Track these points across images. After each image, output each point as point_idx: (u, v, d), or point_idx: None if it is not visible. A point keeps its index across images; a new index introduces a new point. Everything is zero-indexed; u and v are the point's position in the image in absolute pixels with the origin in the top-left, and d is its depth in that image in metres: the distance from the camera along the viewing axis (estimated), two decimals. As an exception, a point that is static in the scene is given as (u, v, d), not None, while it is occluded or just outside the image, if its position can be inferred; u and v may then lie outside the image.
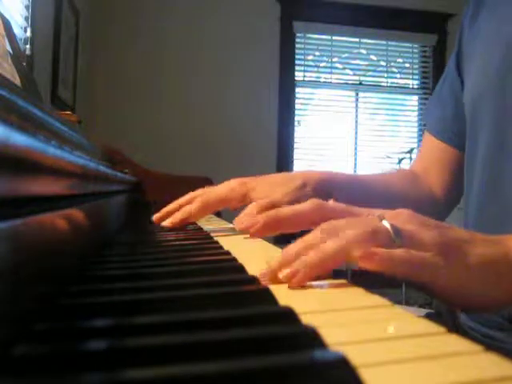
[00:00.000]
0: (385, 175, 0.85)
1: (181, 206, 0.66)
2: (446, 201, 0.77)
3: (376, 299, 0.27)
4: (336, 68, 3.22)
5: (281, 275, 0.31)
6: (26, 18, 1.57)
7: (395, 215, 0.36)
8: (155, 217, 0.67)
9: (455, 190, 0.75)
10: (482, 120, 0.64)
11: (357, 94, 3.25)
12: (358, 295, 0.29)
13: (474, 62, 0.67)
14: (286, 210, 0.43)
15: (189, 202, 0.65)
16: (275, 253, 0.47)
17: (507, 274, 0.34)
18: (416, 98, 3.34)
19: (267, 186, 0.65)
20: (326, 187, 0.65)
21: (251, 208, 0.52)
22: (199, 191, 0.66)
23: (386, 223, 0.33)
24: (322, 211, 0.40)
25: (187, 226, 0.68)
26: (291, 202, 0.47)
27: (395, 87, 3.30)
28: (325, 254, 0.31)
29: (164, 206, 0.69)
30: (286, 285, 0.32)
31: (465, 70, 0.71)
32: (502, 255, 0.34)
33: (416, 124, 3.33)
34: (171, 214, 0.66)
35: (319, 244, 0.32)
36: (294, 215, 0.42)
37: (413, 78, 3.31)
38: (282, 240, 0.59)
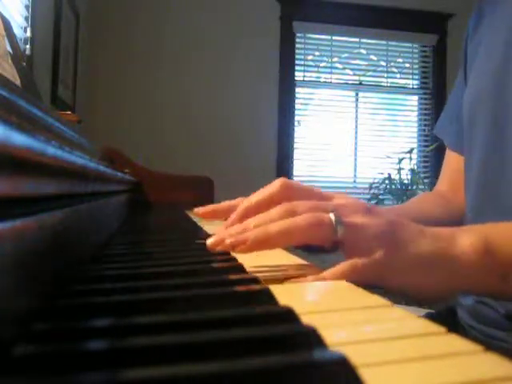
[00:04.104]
0: (416, 201, 0.79)
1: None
2: None
3: (376, 299, 0.27)
4: (336, 68, 3.22)
5: (228, 241, 0.37)
6: (26, 18, 1.57)
7: (344, 205, 0.39)
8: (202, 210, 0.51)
9: None
10: (478, 122, 0.64)
11: (357, 94, 3.25)
12: (358, 295, 0.29)
13: (474, 68, 0.68)
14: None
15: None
16: (275, 253, 0.47)
17: (444, 267, 0.37)
18: (416, 97, 3.34)
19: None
20: None
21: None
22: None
23: (332, 216, 0.36)
24: (288, 191, 0.42)
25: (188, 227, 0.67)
26: None
27: (395, 87, 3.30)
28: (269, 234, 0.36)
29: (163, 206, 0.68)
30: (286, 285, 0.32)
31: (467, 77, 0.72)
32: (442, 251, 0.37)
33: (416, 124, 3.33)
34: (222, 215, 0.50)
35: (267, 223, 0.37)
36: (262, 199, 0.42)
37: (413, 78, 3.31)
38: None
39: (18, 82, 0.60)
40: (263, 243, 0.36)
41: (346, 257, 0.36)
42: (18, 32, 1.43)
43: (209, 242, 0.40)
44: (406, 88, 3.32)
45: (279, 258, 0.45)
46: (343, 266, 0.35)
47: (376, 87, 3.28)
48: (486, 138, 0.62)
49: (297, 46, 3.12)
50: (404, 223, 0.38)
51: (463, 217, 0.70)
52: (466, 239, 0.38)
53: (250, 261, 0.38)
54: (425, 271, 0.36)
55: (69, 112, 1.16)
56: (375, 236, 0.36)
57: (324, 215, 0.36)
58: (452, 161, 0.77)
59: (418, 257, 0.36)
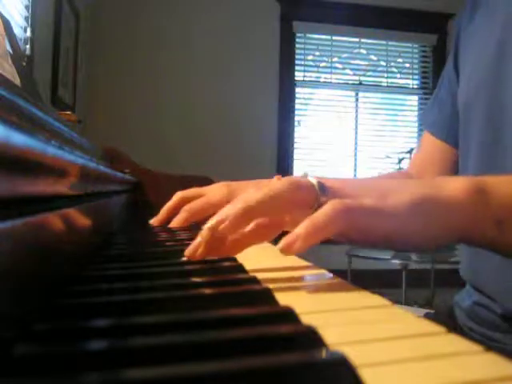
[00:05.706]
0: (379, 177, 0.83)
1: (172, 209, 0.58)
2: None
3: (376, 299, 0.27)
4: (336, 68, 3.22)
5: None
6: (26, 18, 1.57)
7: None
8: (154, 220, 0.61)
9: None
10: (474, 117, 0.64)
11: (357, 94, 3.25)
12: (358, 295, 0.29)
13: (469, 61, 0.68)
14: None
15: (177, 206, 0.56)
16: (275, 252, 0.47)
17: (435, 212, 0.34)
18: (416, 97, 3.34)
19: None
20: None
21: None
22: (187, 193, 0.57)
23: (311, 179, 0.35)
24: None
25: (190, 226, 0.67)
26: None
27: (395, 87, 3.30)
28: (251, 202, 0.34)
29: (163, 206, 0.67)
30: (286, 285, 0.32)
31: (461, 70, 0.72)
32: (431, 195, 0.35)
33: (416, 124, 3.33)
34: (166, 219, 0.59)
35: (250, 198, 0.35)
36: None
37: (413, 78, 3.31)
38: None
39: (17, 81, 0.60)
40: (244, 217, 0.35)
41: None
42: (18, 32, 1.43)
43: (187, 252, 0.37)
44: (405, 88, 3.32)
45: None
46: (336, 202, 0.32)
47: (376, 87, 3.28)
48: (481, 138, 0.62)
49: (297, 46, 3.12)
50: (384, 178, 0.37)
51: None
52: (456, 182, 0.36)
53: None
54: (413, 216, 0.34)
55: (69, 112, 1.16)
56: (361, 187, 0.36)
57: (301, 180, 0.36)
58: (426, 140, 0.77)
59: (406, 202, 0.34)
